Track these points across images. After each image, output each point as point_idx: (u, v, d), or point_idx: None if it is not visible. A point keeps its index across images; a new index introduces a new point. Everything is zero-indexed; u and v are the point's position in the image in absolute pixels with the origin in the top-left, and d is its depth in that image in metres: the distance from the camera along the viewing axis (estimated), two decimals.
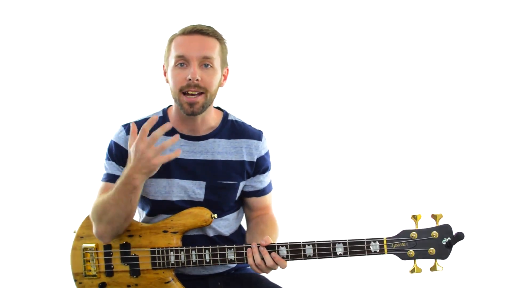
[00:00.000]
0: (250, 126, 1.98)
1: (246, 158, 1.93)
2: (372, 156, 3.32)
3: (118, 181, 1.75)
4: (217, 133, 1.92)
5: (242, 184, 1.97)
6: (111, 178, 1.89)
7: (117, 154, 1.90)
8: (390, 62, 3.31)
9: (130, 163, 1.71)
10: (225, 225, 1.99)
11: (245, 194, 2.01)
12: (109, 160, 1.92)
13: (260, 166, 1.97)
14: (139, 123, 1.81)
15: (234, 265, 2.02)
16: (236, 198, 1.98)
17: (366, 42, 3.31)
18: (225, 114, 1.97)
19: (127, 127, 1.90)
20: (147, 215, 1.97)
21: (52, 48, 3.28)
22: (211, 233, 1.97)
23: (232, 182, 1.93)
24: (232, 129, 1.95)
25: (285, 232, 2.02)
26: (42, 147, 3.29)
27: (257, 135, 1.96)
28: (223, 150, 1.91)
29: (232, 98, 2.29)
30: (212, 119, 1.93)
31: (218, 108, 2.00)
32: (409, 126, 3.33)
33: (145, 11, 3.28)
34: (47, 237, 3.08)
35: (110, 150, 1.92)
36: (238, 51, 2.22)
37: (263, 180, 2.01)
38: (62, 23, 3.25)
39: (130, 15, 3.28)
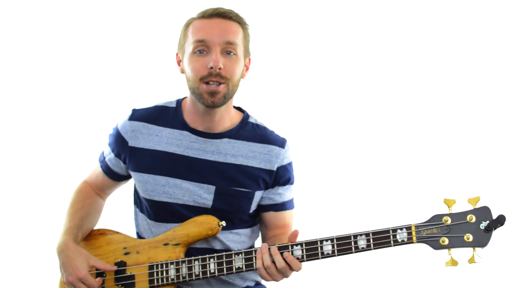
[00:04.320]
0: (272, 132, 1.81)
1: (264, 165, 1.74)
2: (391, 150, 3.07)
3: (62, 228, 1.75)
4: (233, 134, 1.75)
5: (258, 194, 1.76)
6: (105, 168, 1.85)
7: (116, 143, 1.80)
8: (417, 67, 3.14)
9: (65, 253, 1.67)
10: (234, 239, 1.77)
11: (262, 208, 1.80)
12: (110, 145, 1.83)
13: (281, 177, 1.77)
14: (149, 111, 1.80)
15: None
16: (251, 211, 1.77)
17: (385, 49, 3.16)
18: (246, 116, 1.80)
19: (133, 112, 1.81)
20: (149, 218, 1.78)
21: (55, 45, 3.20)
22: (217, 246, 1.75)
23: (246, 190, 1.73)
24: (252, 132, 1.77)
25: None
26: (49, 146, 3.15)
27: (279, 142, 1.78)
28: (238, 153, 1.73)
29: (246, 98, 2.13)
30: (230, 118, 1.76)
31: (238, 108, 1.83)
32: (444, 128, 3.06)
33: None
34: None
35: (112, 135, 1.82)
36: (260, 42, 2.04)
37: (283, 193, 1.80)
38: (66, 15, 3.18)
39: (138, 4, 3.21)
